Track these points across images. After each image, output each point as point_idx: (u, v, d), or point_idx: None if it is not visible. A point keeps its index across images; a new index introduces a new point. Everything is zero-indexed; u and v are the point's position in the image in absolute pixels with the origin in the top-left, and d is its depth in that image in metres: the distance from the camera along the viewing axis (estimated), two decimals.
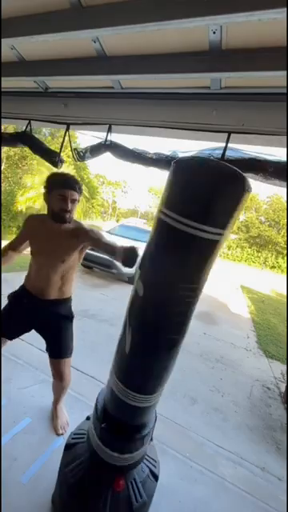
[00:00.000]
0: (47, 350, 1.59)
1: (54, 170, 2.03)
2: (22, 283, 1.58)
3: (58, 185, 1.40)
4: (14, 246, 1.55)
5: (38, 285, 1.49)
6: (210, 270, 0.81)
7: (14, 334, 1.57)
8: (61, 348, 1.56)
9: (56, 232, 1.44)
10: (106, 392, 1.11)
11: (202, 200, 0.69)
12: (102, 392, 1.20)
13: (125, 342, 0.93)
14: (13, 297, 1.57)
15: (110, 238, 1.50)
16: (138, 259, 1.08)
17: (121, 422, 1.05)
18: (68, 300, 1.58)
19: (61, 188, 1.38)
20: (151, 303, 0.85)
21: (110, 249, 1.35)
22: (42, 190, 1.48)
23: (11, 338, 1.56)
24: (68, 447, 1.22)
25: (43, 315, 1.53)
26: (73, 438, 1.25)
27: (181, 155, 1.68)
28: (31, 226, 1.52)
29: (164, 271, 0.79)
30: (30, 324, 1.56)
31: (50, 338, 1.57)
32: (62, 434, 1.67)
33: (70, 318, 1.59)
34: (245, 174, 1.31)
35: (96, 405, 1.15)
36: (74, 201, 1.42)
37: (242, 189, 0.68)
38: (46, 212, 1.48)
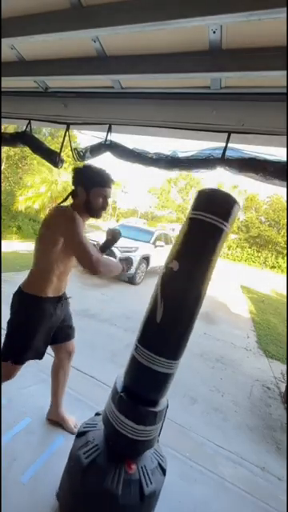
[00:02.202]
0: (67, 335, 1.59)
1: (55, 170, 2.03)
2: (31, 292, 1.33)
3: (101, 182, 1.35)
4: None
5: (61, 286, 1.42)
6: (218, 254, 1.14)
7: (43, 348, 1.44)
8: (74, 329, 1.65)
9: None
10: (127, 368, 1.21)
11: (214, 206, 1.13)
12: (119, 376, 1.27)
13: (155, 313, 1.11)
14: (37, 318, 1.34)
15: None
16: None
17: (140, 393, 1.15)
18: None
19: (105, 187, 1.35)
20: (183, 277, 1.10)
21: None
22: (71, 182, 1.40)
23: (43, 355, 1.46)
24: (80, 434, 1.28)
25: (63, 309, 1.51)
26: (84, 427, 1.31)
27: (181, 155, 1.68)
28: (82, 223, 1.31)
29: (194, 250, 1.13)
30: (52, 327, 1.45)
31: (68, 324, 1.60)
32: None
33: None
34: (245, 174, 1.43)
35: (114, 384, 1.23)
36: (109, 198, 1.41)
37: (232, 202, 1.14)
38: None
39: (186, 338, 1.14)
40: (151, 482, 1.13)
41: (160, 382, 1.14)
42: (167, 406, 1.22)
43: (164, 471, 1.25)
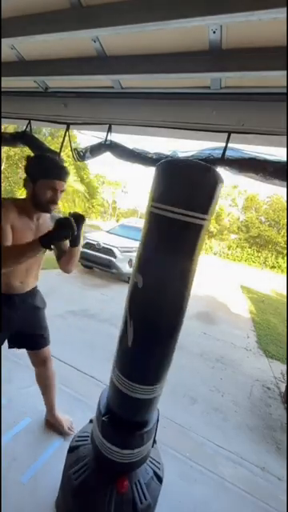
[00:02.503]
0: (30, 343, 1.54)
1: None
2: None
3: (48, 174, 1.22)
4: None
5: (18, 279, 1.34)
6: (199, 256, 0.90)
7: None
8: (48, 334, 1.58)
9: (38, 220, 1.32)
10: (109, 389, 1.12)
11: (185, 192, 0.83)
12: (104, 391, 1.21)
13: (127, 336, 0.96)
14: None
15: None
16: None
17: (122, 418, 1.06)
18: (36, 288, 1.52)
19: (52, 179, 1.21)
20: (152, 292, 0.90)
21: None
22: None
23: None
24: (71, 450, 1.22)
25: (25, 309, 1.43)
26: (76, 441, 1.25)
27: (181, 155, 1.68)
28: (13, 214, 1.23)
29: (160, 259, 0.87)
30: (11, 325, 1.41)
31: (35, 329, 1.52)
32: (73, 434, 1.67)
33: (45, 306, 1.57)
34: (245, 174, 1.38)
35: (99, 403, 1.16)
36: (62, 191, 1.28)
37: (215, 180, 0.83)
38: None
39: (164, 360, 0.99)
40: (145, 498, 1.07)
41: (142, 407, 1.04)
42: (157, 420, 1.15)
43: (160, 480, 1.20)
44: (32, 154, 1.35)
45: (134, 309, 0.96)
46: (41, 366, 1.61)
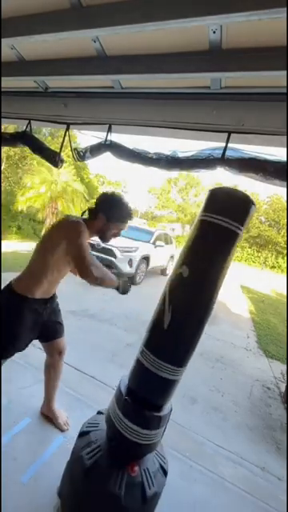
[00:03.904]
0: (55, 332, 1.62)
1: (54, 170, 2.02)
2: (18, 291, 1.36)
3: (124, 219, 1.45)
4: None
5: (50, 291, 1.47)
6: (231, 260, 1.08)
7: (26, 345, 1.49)
8: (63, 326, 1.68)
9: None
10: (133, 370, 1.19)
11: (228, 207, 1.06)
12: (123, 377, 1.26)
13: (163, 318, 1.08)
14: (19, 314, 1.37)
15: None
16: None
17: (145, 398, 1.13)
18: None
19: (125, 223, 1.46)
20: (194, 282, 1.06)
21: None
22: (95, 206, 1.46)
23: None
24: (82, 434, 1.27)
25: (50, 309, 1.54)
26: (87, 427, 1.30)
27: (181, 155, 1.68)
28: (87, 235, 1.38)
29: (205, 256, 1.07)
30: (37, 327, 1.48)
31: (56, 320, 1.62)
32: (67, 430, 1.70)
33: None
34: (245, 174, 1.41)
35: (119, 386, 1.21)
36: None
37: (249, 201, 1.07)
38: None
39: (193, 345, 1.11)
40: (153, 485, 1.12)
41: (165, 388, 1.13)
42: (171, 410, 1.22)
43: (165, 473, 1.24)
44: (108, 193, 1.50)
45: (174, 296, 1.09)
46: (57, 355, 1.68)
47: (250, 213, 1.06)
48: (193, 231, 1.12)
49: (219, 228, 1.03)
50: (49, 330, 1.59)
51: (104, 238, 1.48)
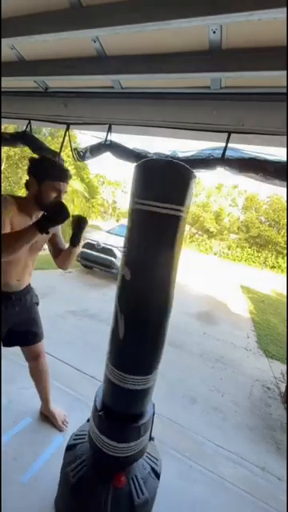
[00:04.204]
0: (24, 339, 1.56)
1: None
2: None
3: (53, 176, 1.27)
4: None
5: (15, 277, 1.37)
6: (180, 246, 0.96)
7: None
8: (41, 330, 1.62)
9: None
10: (103, 384, 1.15)
11: (162, 187, 0.90)
12: (99, 389, 1.23)
13: (117, 329, 1.00)
14: None
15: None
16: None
17: (117, 411, 1.08)
18: (30, 284, 1.55)
19: (57, 180, 1.27)
20: (139, 283, 0.95)
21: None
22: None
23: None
24: (69, 448, 1.23)
25: (22, 306, 1.46)
26: (74, 439, 1.26)
27: (181, 155, 1.68)
28: (13, 209, 1.24)
29: (144, 251, 0.93)
30: (9, 323, 1.44)
31: (30, 325, 1.55)
32: (66, 430, 1.70)
33: (38, 302, 1.61)
34: (245, 174, 1.39)
35: (95, 400, 1.18)
36: (65, 193, 1.33)
37: (188, 176, 0.91)
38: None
39: (157, 350, 1.03)
40: (142, 493, 1.08)
41: (137, 398, 1.06)
42: (153, 414, 1.17)
43: (158, 475, 1.21)
44: (34, 156, 1.36)
45: (123, 302, 0.99)
46: (34, 360, 1.65)
47: (191, 188, 0.90)
48: (128, 225, 0.98)
49: (156, 217, 0.87)
50: (20, 337, 1.54)
51: (42, 205, 1.27)
